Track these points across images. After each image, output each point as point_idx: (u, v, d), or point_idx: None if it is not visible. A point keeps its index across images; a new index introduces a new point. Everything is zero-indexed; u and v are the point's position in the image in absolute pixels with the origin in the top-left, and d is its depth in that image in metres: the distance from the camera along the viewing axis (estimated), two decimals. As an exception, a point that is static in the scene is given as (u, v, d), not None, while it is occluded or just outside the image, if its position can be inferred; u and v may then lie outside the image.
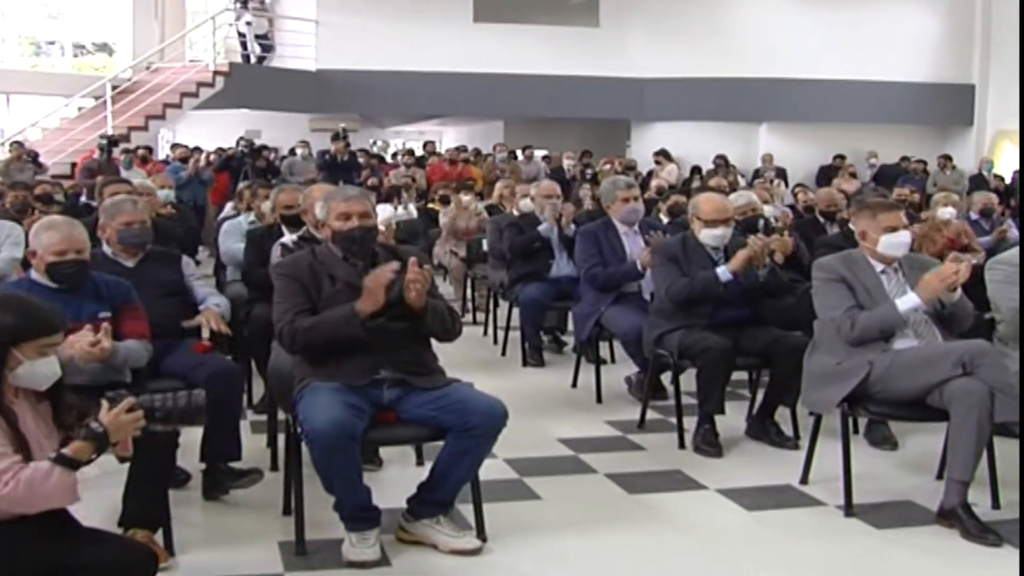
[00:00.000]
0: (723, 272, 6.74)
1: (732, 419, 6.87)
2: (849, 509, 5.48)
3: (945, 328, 5.66)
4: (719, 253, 6.93)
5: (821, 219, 9.80)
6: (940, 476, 5.78)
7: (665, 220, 9.97)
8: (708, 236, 6.91)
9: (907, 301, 5.51)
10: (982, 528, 5.14)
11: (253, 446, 6.23)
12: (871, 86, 22.94)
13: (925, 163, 22.15)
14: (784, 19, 23.11)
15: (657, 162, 21.41)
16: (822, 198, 10.17)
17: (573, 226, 8.93)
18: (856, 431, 6.82)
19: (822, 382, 5.64)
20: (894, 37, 23.17)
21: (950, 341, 5.57)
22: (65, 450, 3.58)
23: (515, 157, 21.62)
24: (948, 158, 22.07)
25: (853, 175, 19.75)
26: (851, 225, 6.44)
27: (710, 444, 6.56)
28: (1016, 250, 6.12)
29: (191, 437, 5.48)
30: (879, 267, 5.75)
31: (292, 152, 20.84)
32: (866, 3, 23.13)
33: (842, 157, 22.41)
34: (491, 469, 5.65)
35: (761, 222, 8.47)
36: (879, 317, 5.53)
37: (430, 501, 4.98)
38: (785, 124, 23.53)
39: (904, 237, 5.73)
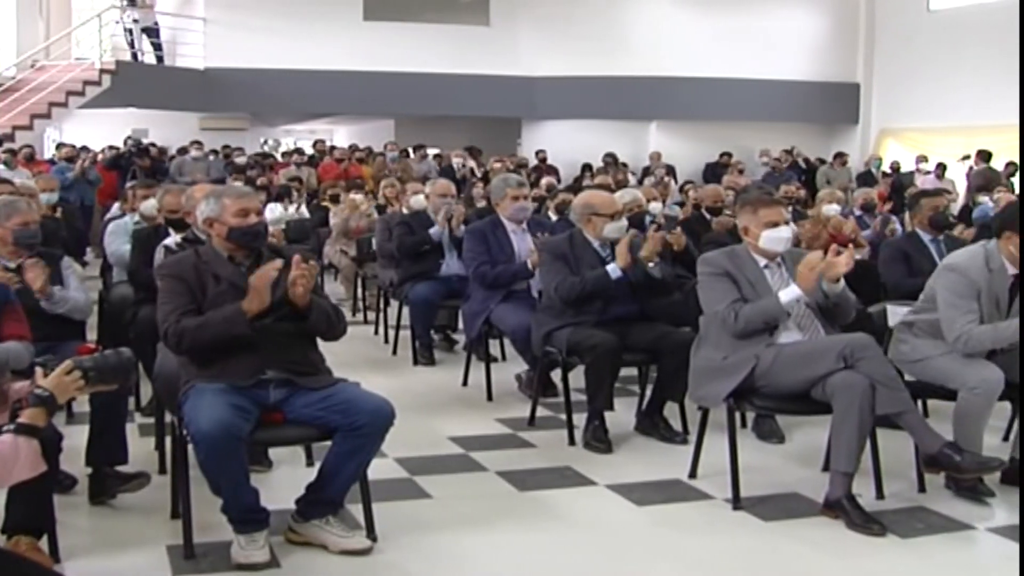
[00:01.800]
0: (613, 269, 6.79)
1: (622, 415, 6.94)
2: (737, 502, 5.54)
3: (828, 321, 5.75)
4: (607, 249, 6.98)
5: (707, 215, 9.89)
6: (826, 468, 5.83)
7: (554, 218, 10.00)
8: (613, 230, 6.97)
9: (788, 292, 5.57)
10: (867, 518, 5.23)
11: (141, 449, 6.14)
12: (758, 84, 23.24)
13: (823, 160, 22.60)
14: (673, 18, 23.31)
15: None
16: (708, 194, 10.28)
17: (463, 226, 8.92)
18: (744, 425, 6.92)
19: (709, 377, 5.69)
20: (780, 37, 23.50)
21: (833, 334, 5.66)
22: (20, 419, 3.57)
23: (407, 156, 21.55)
24: (840, 155, 22.47)
25: (741, 171, 20.02)
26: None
27: (600, 440, 6.60)
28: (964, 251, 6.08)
29: (76, 441, 5.43)
30: (762, 262, 5.81)
31: (182, 152, 20.61)
32: (753, 3, 23.44)
33: (729, 155, 22.66)
34: (381, 468, 5.64)
35: (648, 219, 8.54)
36: (762, 309, 5.59)
37: (319, 501, 4.94)
38: (674, 122, 23.73)
39: (784, 232, 5.78)
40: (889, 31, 24.33)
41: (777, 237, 5.75)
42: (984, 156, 18.98)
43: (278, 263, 4.86)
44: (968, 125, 20.48)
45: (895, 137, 23.18)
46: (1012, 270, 5.64)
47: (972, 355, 5.61)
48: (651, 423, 6.83)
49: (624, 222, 7.12)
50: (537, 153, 22.45)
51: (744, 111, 23.53)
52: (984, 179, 17.33)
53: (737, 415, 6.00)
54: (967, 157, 19.71)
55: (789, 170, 21.40)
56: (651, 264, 6.82)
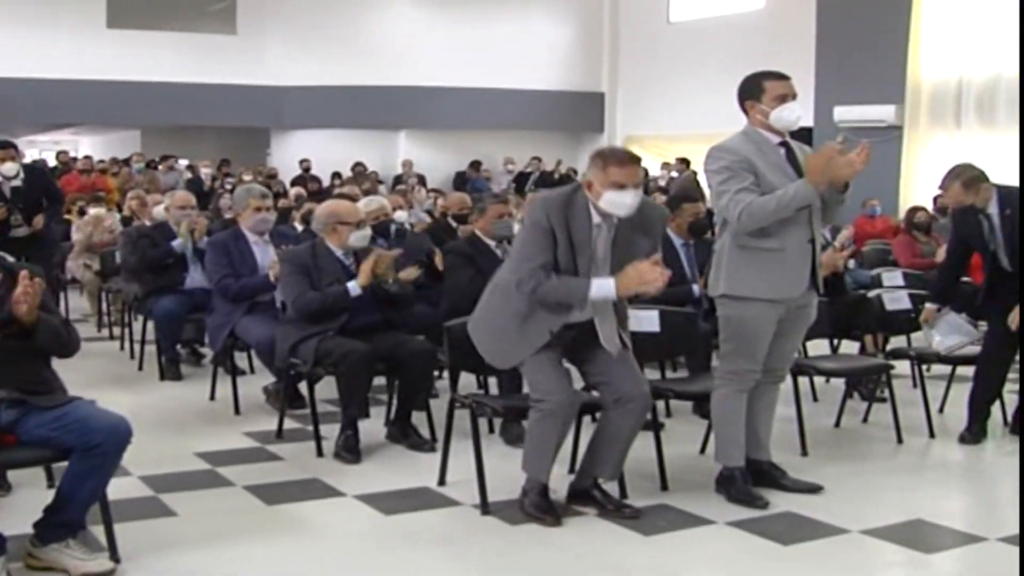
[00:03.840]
0: (353, 287, 6.78)
1: (370, 423, 6.90)
2: (485, 507, 5.59)
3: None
4: (351, 259, 6.96)
5: (453, 223, 9.94)
6: (572, 470, 5.97)
7: (300, 228, 9.92)
8: (357, 238, 6.96)
9: (602, 288, 5.28)
10: (619, 503, 5.50)
11: None
12: (506, 94, 23.55)
13: (575, 170, 22.99)
14: (422, 29, 23.44)
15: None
16: (453, 202, 10.37)
17: (206, 238, 8.75)
18: (492, 431, 6.98)
19: (505, 336, 5.51)
20: (527, 47, 23.88)
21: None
22: None
23: (155, 167, 21.08)
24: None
25: (488, 179, 20.26)
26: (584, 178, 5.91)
27: (350, 450, 6.57)
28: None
29: None
30: (596, 219, 5.41)
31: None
32: (500, 13, 23.75)
33: (478, 163, 22.90)
34: (124, 487, 5.52)
35: (393, 227, 8.55)
36: (565, 292, 5.32)
37: (57, 524, 4.77)
38: (423, 131, 23.88)
39: (629, 198, 5.32)
40: (632, 42, 24.98)
41: (620, 201, 5.32)
42: (685, 162, 19.78)
43: None
44: (710, 132, 20.98)
45: (640, 144, 23.68)
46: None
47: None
48: (400, 431, 6.84)
49: (368, 231, 7.11)
50: (301, 162, 22.24)
51: (492, 120, 23.80)
52: (684, 185, 17.84)
53: (484, 421, 6.06)
54: (667, 165, 20.55)
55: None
56: (389, 281, 6.83)
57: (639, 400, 5.48)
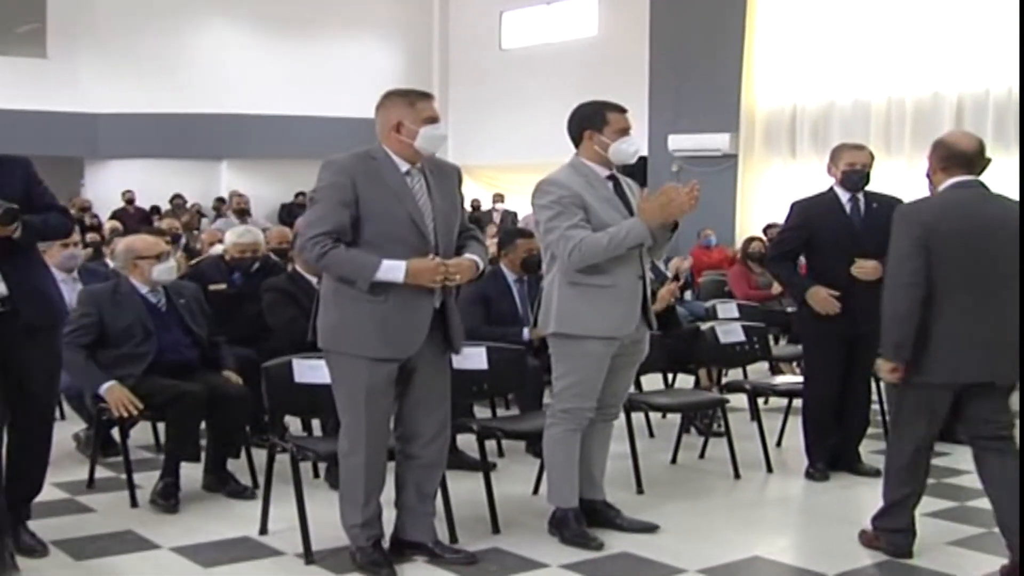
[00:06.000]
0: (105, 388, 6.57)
1: (188, 471, 6.73)
2: (309, 557, 5.52)
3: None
4: (158, 295, 6.80)
5: (275, 257, 9.71)
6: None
7: (112, 264, 9.67)
8: (160, 272, 6.79)
9: (392, 270, 5.08)
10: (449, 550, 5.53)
11: None
12: (332, 122, 23.34)
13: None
14: (243, 53, 23.24)
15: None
16: (274, 236, 10.18)
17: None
18: (317, 475, 6.90)
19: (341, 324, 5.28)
20: (354, 73, 23.72)
21: None
22: None
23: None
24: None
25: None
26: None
27: (168, 498, 6.39)
28: None
29: None
30: (404, 167, 5.26)
31: None
32: (326, 39, 23.70)
33: (303, 194, 22.72)
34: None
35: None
36: (352, 267, 5.14)
37: None
38: (246, 160, 23.63)
39: (440, 130, 5.27)
40: (463, 69, 25.14)
41: (432, 135, 5.23)
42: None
43: None
44: (543, 162, 21.17)
45: (471, 175, 23.77)
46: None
47: None
48: (217, 479, 6.70)
49: (172, 263, 6.96)
50: (124, 193, 21.73)
51: (318, 149, 23.42)
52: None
53: (308, 465, 5.98)
54: (500, 197, 20.85)
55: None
56: None
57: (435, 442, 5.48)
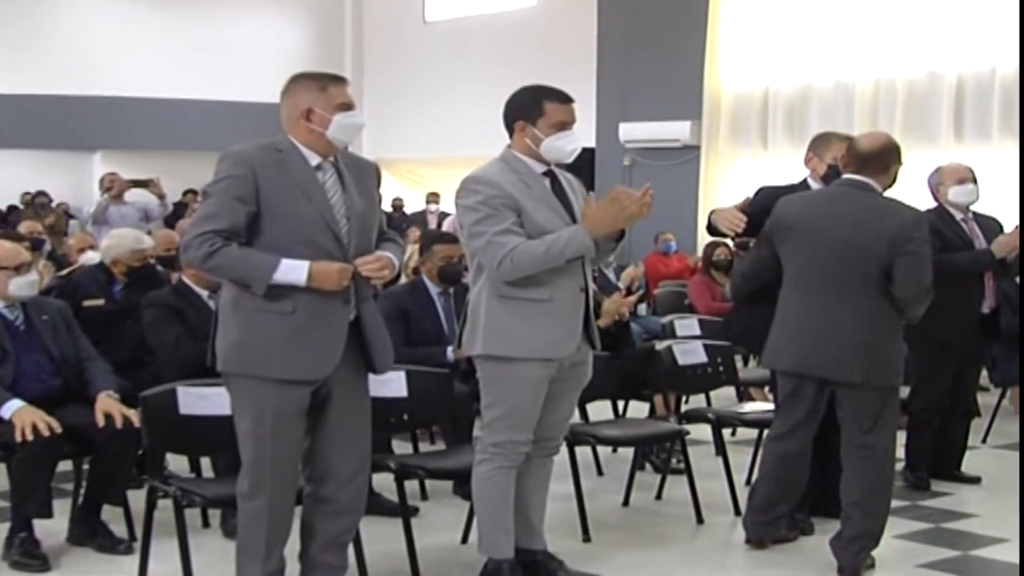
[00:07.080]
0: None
1: (52, 522, 6.63)
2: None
3: None
4: (16, 312, 6.71)
5: (159, 267, 9.56)
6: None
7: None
8: (19, 286, 6.67)
9: (292, 270, 5.04)
10: None
11: None
12: (226, 106, 23.35)
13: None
14: (121, 28, 23.20)
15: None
16: (160, 240, 9.98)
17: None
18: (207, 524, 6.85)
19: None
20: (252, 52, 23.77)
21: None
22: None
23: None
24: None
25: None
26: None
27: (31, 555, 6.30)
28: None
29: None
30: (314, 160, 5.28)
31: None
32: (220, 13, 23.72)
33: (194, 191, 22.58)
34: None
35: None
36: (246, 268, 5.10)
37: None
38: (125, 151, 23.44)
39: (355, 118, 5.30)
40: (380, 45, 25.19)
41: (348, 124, 5.27)
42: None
43: None
44: (473, 155, 21.12)
45: (391, 170, 23.80)
46: None
47: None
48: (87, 530, 6.63)
49: (34, 276, 6.84)
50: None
51: (211, 138, 23.36)
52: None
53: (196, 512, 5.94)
54: (434, 196, 20.95)
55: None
56: None
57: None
